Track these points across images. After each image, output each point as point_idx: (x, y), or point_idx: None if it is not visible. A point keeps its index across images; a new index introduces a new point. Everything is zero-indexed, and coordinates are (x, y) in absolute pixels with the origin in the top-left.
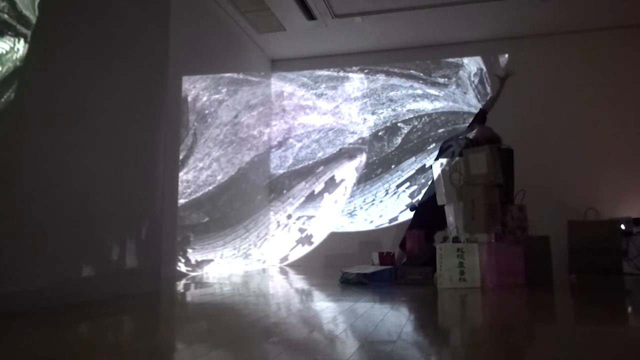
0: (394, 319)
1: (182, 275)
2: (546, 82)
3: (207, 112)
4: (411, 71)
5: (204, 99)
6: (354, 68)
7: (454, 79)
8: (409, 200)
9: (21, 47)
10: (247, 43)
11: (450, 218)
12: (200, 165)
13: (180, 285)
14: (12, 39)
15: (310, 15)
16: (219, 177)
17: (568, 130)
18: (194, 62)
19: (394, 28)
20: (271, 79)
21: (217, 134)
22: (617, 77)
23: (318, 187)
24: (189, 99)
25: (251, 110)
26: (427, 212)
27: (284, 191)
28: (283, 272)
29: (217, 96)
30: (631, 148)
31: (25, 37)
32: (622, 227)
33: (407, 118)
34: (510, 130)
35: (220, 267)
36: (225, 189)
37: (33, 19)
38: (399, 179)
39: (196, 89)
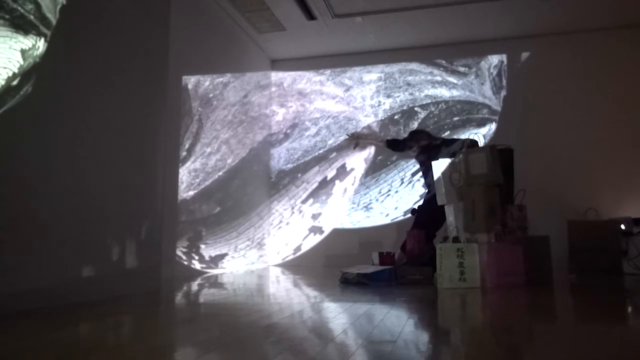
0: (394, 319)
1: (198, 273)
2: (546, 81)
3: (211, 95)
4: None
5: (207, 83)
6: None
7: (474, 69)
8: (423, 191)
9: (41, 45)
10: (247, 43)
11: (450, 218)
12: (208, 150)
13: (181, 285)
14: (34, 37)
15: (310, 15)
16: (229, 161)
17: (568, 130)
18: (194, 62)
19: (394, 28)
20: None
21: (225, 115)
22: (617, 77)
23: (330, 175)
24: (190, 87)
25: (262, 89)
26: (428, 214)
27: (299, 174)
28: (283, 271)
29: (221, 79)
30: (631, 148)
31: (45, 36)
32: (622, 227)
33: (424, 103)
34: (510, 130)
35: (235, 261)
36: (237, 172)
37: (54, 21)
38: (414, 166)
39: (196, 76)
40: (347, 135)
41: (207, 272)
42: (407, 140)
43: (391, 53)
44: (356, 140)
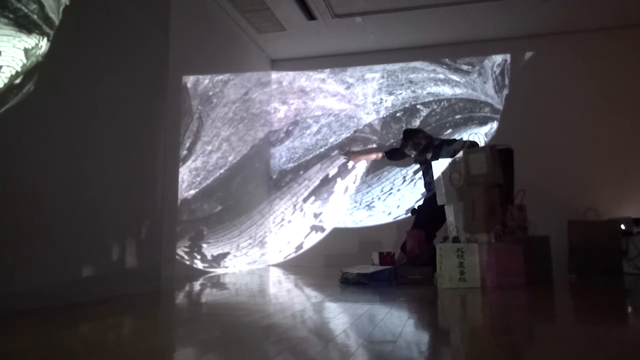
0: (394, 319)
1: (200, 273)
2: (546, 81)
3: (211, 93)
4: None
5: (206, 81)
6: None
7: (477, 67)
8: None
9: (44, 44)
10: (247, 43)
11: (450, 218)
12: (209, 148)
13: (182, 285)
14: (37, 36)
15: (310, 15)
16: (230, 158)
17: (568, 130)
18: (194, 62)
19: (394, 28)
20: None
21: (226, 113)
22: (617, 77)
23: (332, 173)
24: (189, 85)
25: (264, 86)
26: (428, 214)
27: (300, 172)
28: (283, 271)
29: (220, 77)
30: (631, 148)
31: (48, 36)
32: (622, 227)
33: (426, 101)
34: (511, 129)
35: (237, 260)
36: (238, 170)
37: (56, 21)
38: (416, 164)
39: (196, 75)
40: (342, 154)
41: (209, 272)
42: (404, 141)
43: (391, 53)
44: (352, 158)
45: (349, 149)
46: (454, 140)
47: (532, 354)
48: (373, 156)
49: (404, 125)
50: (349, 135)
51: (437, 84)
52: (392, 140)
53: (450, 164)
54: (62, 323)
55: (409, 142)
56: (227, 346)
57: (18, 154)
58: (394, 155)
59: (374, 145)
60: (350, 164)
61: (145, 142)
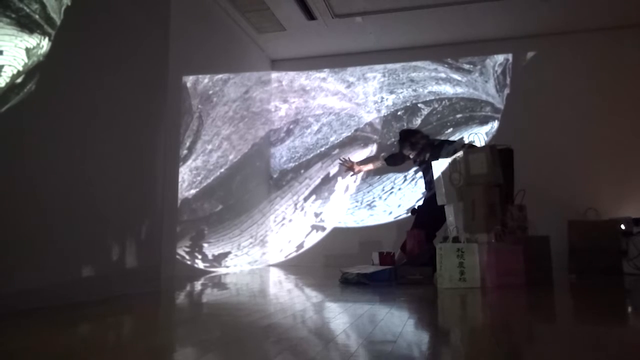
0: (394, 319)
1: (201, 272)
2: (547, 81)
3: (211, 92)
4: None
5: (206, 80)
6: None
7: (478, 67)
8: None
9: (45, 44)
10: (247, 43)
11: (450, 218)
12: (209, 147)
13: (182, 285)
14: (39, 36)
15: (310, 15)
16: (230, 157)
17: (568, 130)
18: (194, 62)
19: (394, 28)
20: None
21: (226, 111)
22: (617, 77)
23: (332, 172)
24: (189, 84)
25: (264, 85)
26: (428, 214)
27: (301, 171)
28: (283, 271)
29: (220, 76)
30: (631, 148)
31: (50, 36)
32: (622, 227)
33: (427, 100)
34: (511, 128)
35: (238, 259)
36: (239, 169)
37: (58, 21)
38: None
39: (195, 74)
40: (341, 160)
41: (209, 272)
42: (402, 142)
43: (391, 53)
44: (352, 168)
45: (348, 157)
46: (453, 141)
47: (532, 354)
48: (371, 165)
49: (405, 124)
50: (349, 134)
51: (438, 82)
52: (392, 140)
53: (450, 164)
54: (62, 323)
55: (406, 142)
56: (227, 346)
57: (18, 154)
58: (395, 160)
59: (374, 150)
60: (350, 172)
61: (145, 142)
